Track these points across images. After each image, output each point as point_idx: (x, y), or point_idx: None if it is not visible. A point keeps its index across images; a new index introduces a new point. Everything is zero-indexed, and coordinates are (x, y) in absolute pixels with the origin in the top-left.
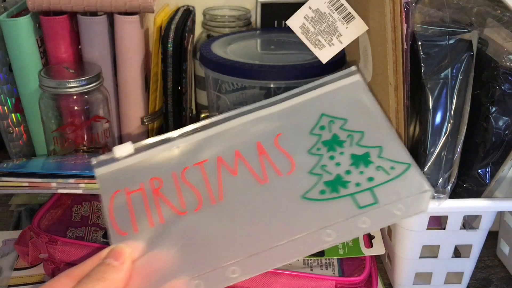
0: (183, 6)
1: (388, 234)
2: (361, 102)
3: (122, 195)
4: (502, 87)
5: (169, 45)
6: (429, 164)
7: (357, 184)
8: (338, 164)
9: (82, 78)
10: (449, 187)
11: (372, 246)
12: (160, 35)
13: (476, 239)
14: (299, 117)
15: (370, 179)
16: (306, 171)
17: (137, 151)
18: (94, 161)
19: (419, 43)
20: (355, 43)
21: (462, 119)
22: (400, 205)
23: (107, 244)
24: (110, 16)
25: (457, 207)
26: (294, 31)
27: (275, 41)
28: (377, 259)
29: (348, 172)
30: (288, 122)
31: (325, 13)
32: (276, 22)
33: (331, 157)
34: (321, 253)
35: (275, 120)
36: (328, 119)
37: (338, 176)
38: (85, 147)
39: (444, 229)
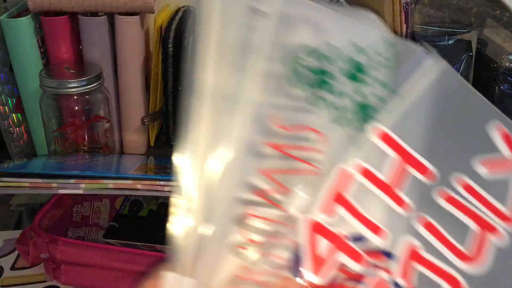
0: (184, 7)
1: None
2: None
3: None
4: (502, 87)
5: (170, 46)
6: None
7: (374, 95)
8: (341, 94)
9: (82, 79)
10: None
11: None
12: (161, 35)
13: None
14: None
15: (383, 83)
16: (330, 121)
17: None
18: None
19: (419, 44)
20: None
21: None
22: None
23: (108, 243)
24: (111, 16)
25: None
26: None
27: None
28: None
29: (357, 91)
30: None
31: None
32: None
33: (331, 91)
34: None
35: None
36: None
37: (358, 104)
38: (85, 147)
39: None
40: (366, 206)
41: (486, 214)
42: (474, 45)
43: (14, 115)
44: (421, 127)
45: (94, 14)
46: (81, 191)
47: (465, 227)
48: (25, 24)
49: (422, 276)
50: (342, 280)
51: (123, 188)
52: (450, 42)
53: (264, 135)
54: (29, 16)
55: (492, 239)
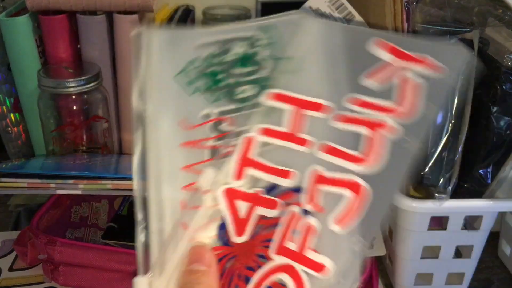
0: (183, 6)
1: (388, 235)
2: None
3: None
4: (504, 87)
5: None
6: (430, 164)
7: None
8: (238, 84)
9: (81, 78)
10: (450, 187)
11: (372, 247)
12: None
13: (477, 240)
14: None
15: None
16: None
17: None
18: None
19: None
20: None
21: (463, 119)
22: None
23: (107, 244)
24: (110, 15)
25: (458, 208)
26: None
27: None
28: (378, 260)
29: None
30: None
31: (325, 12)
32: None
33: (229, 87)
34: None
35: None
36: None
37: (253, 82)
38: (84, 147)
39: (445, 229)
40: (273, 158)
41: (375, 116)
42: (476, 45)
43: (12, 114)
44: (313, 74)
45: (93, 13)
46: (79, 192)
47: (358, 135)
48: (23, 23)
49: (327, 194)
50: (261, 230)
51: (122, 188)
52: (452, 41)
53: (181, 137)
54: (27, 15)
55: (384, 134)
